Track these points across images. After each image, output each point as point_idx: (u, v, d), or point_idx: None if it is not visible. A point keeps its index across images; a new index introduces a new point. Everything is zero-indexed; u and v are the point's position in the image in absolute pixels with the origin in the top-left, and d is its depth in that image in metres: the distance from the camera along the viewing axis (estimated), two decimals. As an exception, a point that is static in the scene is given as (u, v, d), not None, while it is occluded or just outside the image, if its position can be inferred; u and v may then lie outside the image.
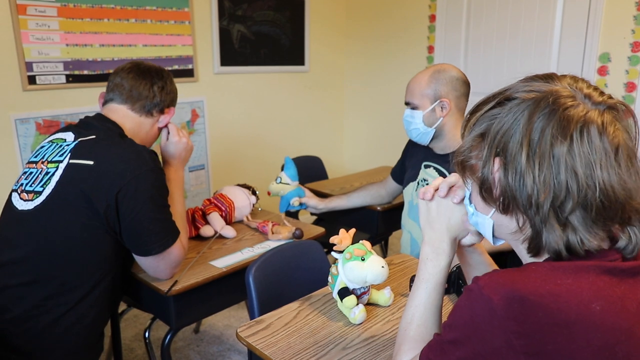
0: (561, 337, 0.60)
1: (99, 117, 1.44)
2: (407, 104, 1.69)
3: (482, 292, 0.64)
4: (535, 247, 0.69)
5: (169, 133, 1.58)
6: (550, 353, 0.61)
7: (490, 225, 0.75)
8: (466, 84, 1.66)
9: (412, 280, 1.34)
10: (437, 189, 0.89)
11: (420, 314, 0.86)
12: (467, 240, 0.90)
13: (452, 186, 0.87)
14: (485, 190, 0.72)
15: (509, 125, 0.68)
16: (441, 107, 1.63)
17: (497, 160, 0.69)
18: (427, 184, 1.74)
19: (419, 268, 0.89)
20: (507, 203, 0.69)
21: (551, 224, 0.65)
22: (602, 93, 0.68)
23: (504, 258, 1.52)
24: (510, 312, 0.62)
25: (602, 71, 2.61)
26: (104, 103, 1.49)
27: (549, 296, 0.62)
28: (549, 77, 0.71)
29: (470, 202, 0.79)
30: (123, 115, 1.45)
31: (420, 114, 1.65)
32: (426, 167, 1.76)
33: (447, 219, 0.87)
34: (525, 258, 0.74)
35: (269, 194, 2.00)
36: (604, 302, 0.62)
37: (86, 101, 2.50)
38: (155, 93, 1.48)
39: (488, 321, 0.63)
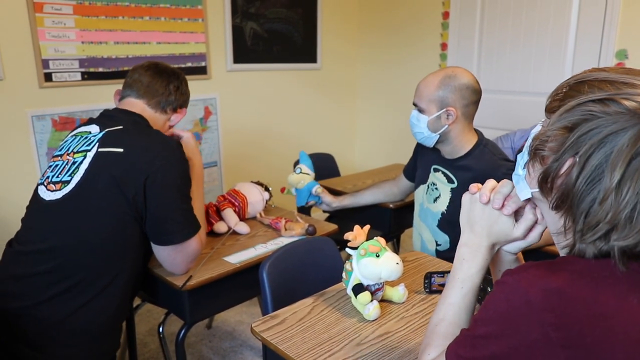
0: (599, 330, 0.59)
1: (122, 110, 1.47)
2: (415, 105, 1.67)
3: (517, 285, 0.63)
4: (570, 251, 0.67)
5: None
6: (588, 345, 0.59)
7: (526, 194, 0.74)
8: (476, 92, 1.60)
9: (426, 277, 1.33)
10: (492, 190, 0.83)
11: (453, 312, 0.84)
12: (514, 247, 0.85)
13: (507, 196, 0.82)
14: (543, 180, 0.68)
15: (606, 135, 0.60)
16: (447, 115, 1.59)
17: (570, 160, 0.64)
18: (437, 189, 1.73)
19: (454, 268, 0.86)
20: (560, 205, 0.66)
21: (595, 244, 0.63)
22: None
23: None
24: (547, 304, 0.60)
25: (619, 68, 2.57)
26: (121, 99, 1.53)
27: (587, 288, 0.61)
28: None
29: (524, 168, 0.75)
30: (141, 109, 1.49)
31: (426, 118, 1.62)
32: (435, 170, 1.75)
33: (489, 225, 0.82)
34: (559, 248, 0.72)
35: (282, 190, 2.00)
36: None
37: (101, 98, 2.52)
38: (171, 91, 1.53)
39: (524, 314, 0.62)
